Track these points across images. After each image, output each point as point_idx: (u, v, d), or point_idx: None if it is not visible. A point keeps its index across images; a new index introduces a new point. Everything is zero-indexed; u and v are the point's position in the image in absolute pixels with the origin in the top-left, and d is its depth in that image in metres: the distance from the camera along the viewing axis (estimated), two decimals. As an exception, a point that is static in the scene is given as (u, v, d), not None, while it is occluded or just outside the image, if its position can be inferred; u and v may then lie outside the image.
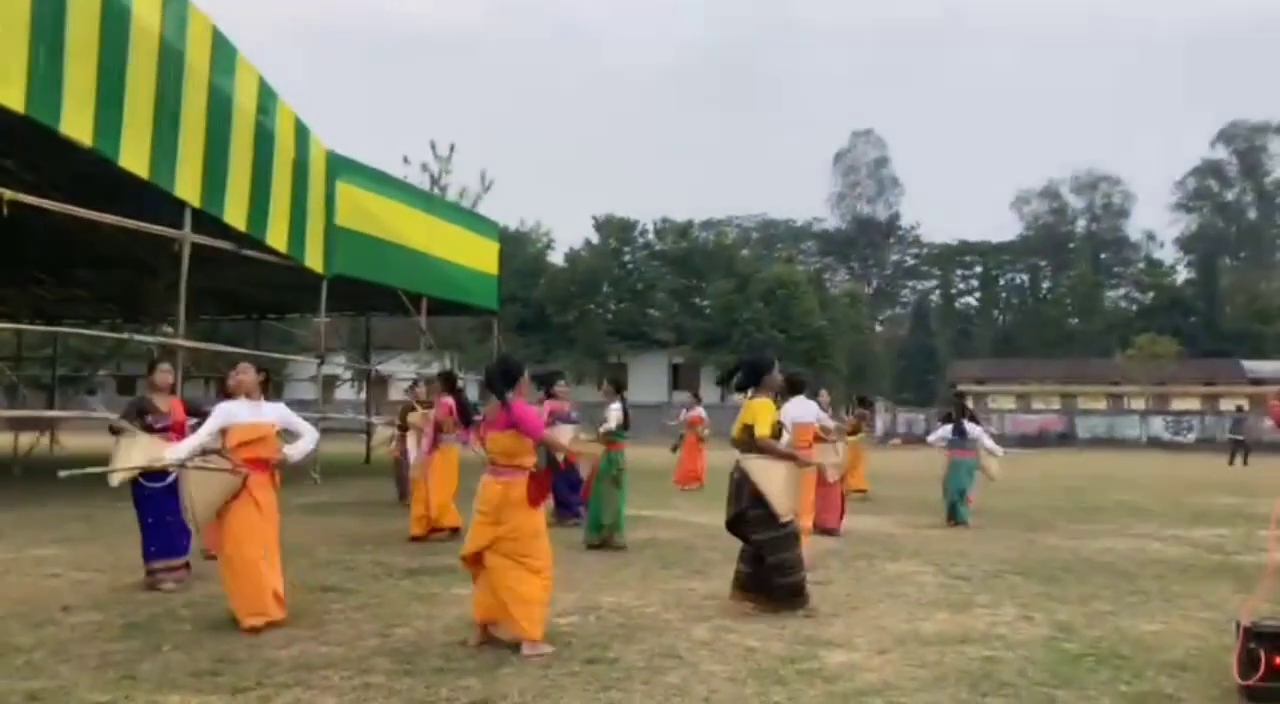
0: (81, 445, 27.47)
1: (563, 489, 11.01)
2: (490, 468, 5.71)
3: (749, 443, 6.72)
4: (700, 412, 18.11)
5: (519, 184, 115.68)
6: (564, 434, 9.70)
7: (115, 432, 7.64)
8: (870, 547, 10.13)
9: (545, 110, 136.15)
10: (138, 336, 19.10)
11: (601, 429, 10.40)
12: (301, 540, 9.68)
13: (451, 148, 50.97)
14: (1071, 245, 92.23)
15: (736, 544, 6.94)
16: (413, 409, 12.44)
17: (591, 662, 5.28)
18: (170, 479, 7.35)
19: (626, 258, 57.35)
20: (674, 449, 18.46)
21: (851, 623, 6.39)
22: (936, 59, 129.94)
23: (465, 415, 10.36)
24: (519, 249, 55.49)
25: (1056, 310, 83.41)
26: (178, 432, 7.43)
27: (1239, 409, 37.94)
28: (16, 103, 12.62)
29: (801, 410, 8.88)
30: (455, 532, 9.98)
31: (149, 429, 7.48)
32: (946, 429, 13.13)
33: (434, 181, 50.07)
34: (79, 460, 23.08)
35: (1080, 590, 7.72)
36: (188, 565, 7.51)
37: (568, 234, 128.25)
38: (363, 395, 36.88)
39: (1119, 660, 5.47)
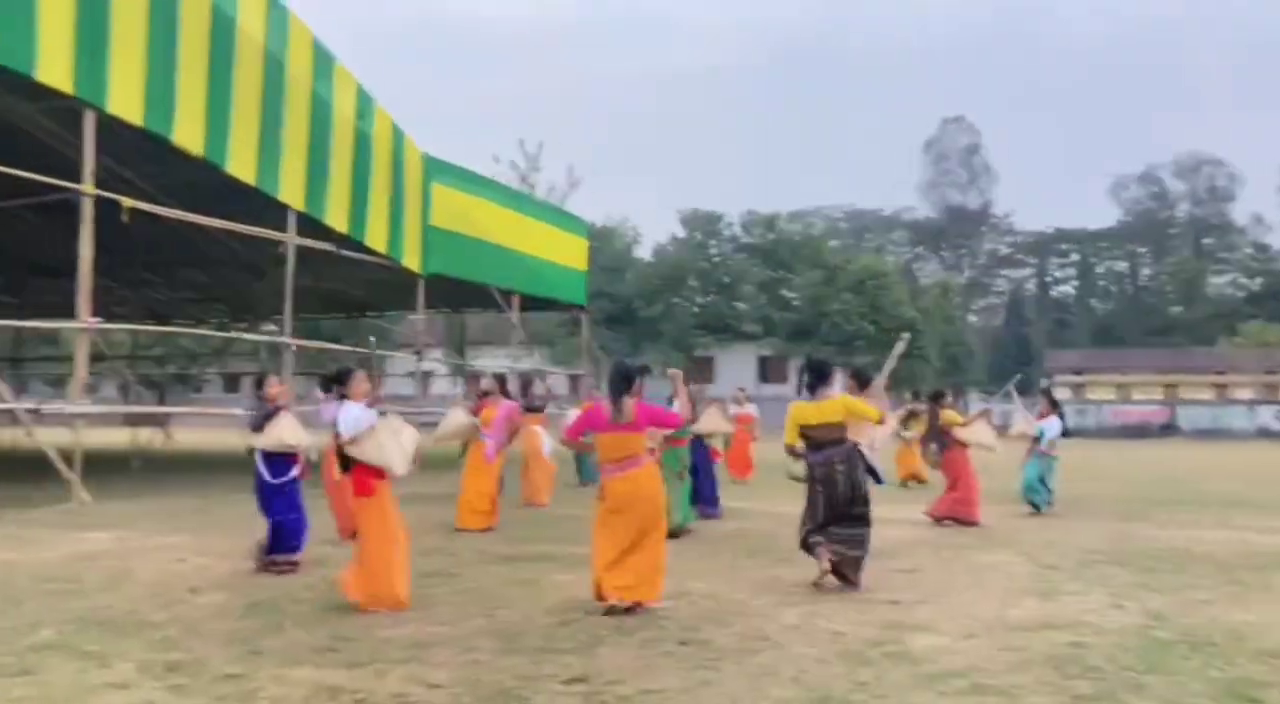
0: (193, 440, 28.76)
1: (707, 488, 11.37)
2: (607, 468, 6.14)
3: (840, 436, 7.06)
4: (751, 410, 18.31)
5: (605, 180, 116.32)
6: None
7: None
8: (960, 537, 10.17)
9: (629, 104, 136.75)
10: (247, 335, 19.92)
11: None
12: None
13: (540, 146, 51.83)
14: (1173, 231, 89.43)
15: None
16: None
17: (684, 643, 5.50)
18: (290, 476, 7.84)
19: (713, 251, 57.47)
20: (724, 444, 18.45)
21: (938, 609, 6.49)
22: (1030, 42, 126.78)
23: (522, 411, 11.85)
24: (606, 244, 55.99)
25: (1157, 298, 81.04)
26: None
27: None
28: (135, 116, 13.39)
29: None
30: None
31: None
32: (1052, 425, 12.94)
33: (523, 179, 50.95)
34: (192, 456, 24.14)
35: (1175, 580, 7.68)
36: (298, 562, 7.97)
37: (654, 229, 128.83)
38: (457, 390, 37.74)
39: (1211, 648, 5.49)
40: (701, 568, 7.99)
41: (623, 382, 6.42)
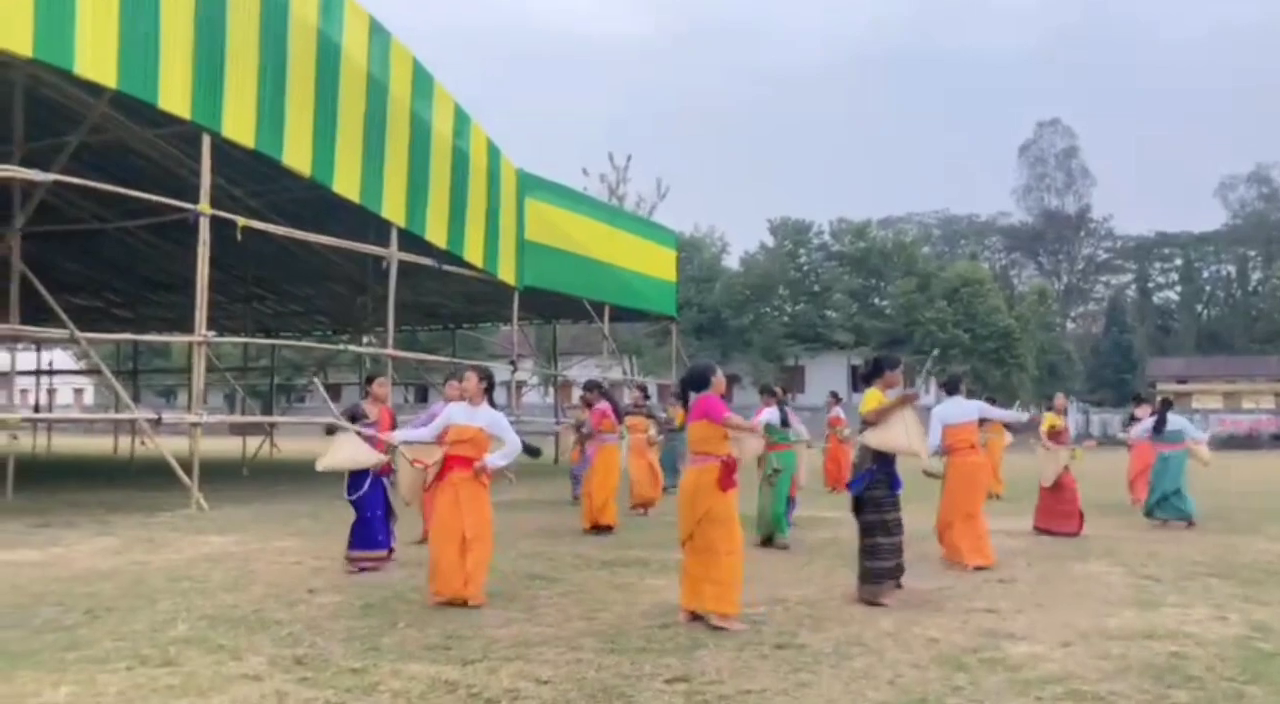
0: (296, 449, 29.78)
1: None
2: (690, 458, 6.30)
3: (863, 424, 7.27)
4: (839, 412, 17.89)
5: (695, 191, 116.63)
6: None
7: (330, 432, 8.60)
8: (1059, 547, 10.09)
9: (718, 115, 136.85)
10: (352, 347, 20.63)
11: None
12: (505, 534, 10.45)
13: (628, 158, 52.31)
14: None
15: (920, 546, 7.20)
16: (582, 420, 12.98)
17: (781, 646, 5.66)
18: (369, 480, 8.24)
19: (802, 259, 57.13)
20: (822, 451, 18.25)
21: (1035, 618, 6.52)
22: (1129, 40, 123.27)
23: (619, 416, 12.17)
24: (694, 254, 56.16)
25: (1268, 303, 77.78)
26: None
27: None
28: (248, 139, 14.06)
29: (954, 411, 9.03)
30: (610, 529, 11.08)
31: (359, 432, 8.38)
32: (1148, 423, 12.83)
33: (612, 191, 51.44)
34: (297, 464, 24.99)
35: (1280, 593, 7.56)
36: (388, 555, 8.48)
37: (743, 238, 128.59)
38: (549, 399, 38.31)
39: (1315, 660, 5.44)
40: (796, 576, 8.13)
41: (695, 381, 6.54)
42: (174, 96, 12.96)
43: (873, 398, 7.25)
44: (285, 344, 24.41)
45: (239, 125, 13.87)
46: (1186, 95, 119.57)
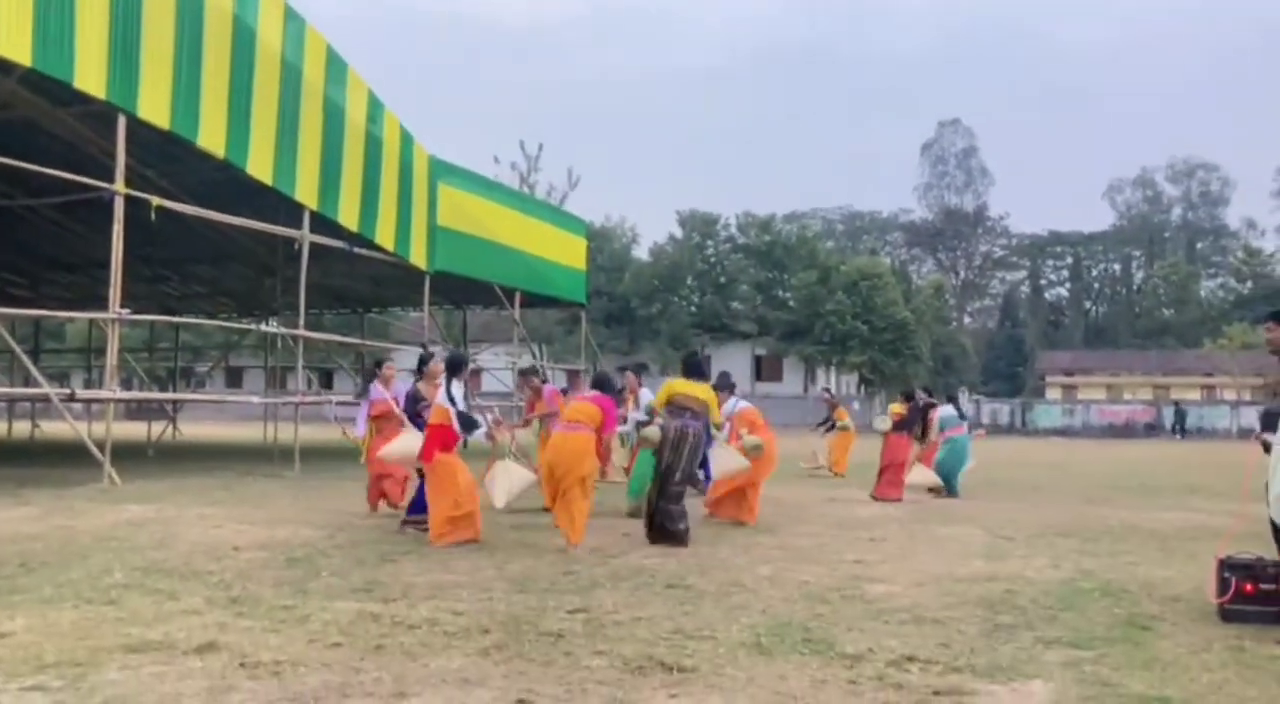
0: (198, 433, 29.65)
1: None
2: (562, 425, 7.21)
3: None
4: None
5: (605, 181, 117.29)
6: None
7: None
8: (930, 514, 11.07)
9: (630, 106, 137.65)
10: (263, 327, 20.76)
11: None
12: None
13: (539, 147, 52.75)
14: (1166, 234, 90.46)
15: (806, 508, 8.01)
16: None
17: (671, 587, 6.39)
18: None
19: (709, 251, 58.33)
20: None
21: (896, 566, 7.38)
22: (1026, 45, 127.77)
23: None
24: (604, 244, 56.86)
25: (1150, 301, 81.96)
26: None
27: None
28: (163, 120, 14.25)
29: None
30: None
31: (419, 415, 9.10)
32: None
33: (523, 180, 51.85)
34: (201, 446, 24.91)
35: (1113, 547, 8.58)
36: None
37: (652, 229, 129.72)
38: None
39: (1122, 594, 6.38)
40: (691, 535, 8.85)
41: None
42: (89, 76, 13.09)
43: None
44: (195, 323, 24.32)
45: (154, 106, 14.04)
46: (1082, 97, 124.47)
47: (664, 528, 8.37)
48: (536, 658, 4.63)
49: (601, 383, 9.13)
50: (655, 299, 54.99)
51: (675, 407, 8.80)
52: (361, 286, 26.08)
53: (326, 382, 50.99)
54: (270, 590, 6.15)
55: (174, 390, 32.73)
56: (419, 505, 8.97)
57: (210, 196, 17.61)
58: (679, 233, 59.81)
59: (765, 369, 57.09)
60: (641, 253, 61.40)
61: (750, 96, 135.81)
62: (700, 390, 8.97)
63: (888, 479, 12.59)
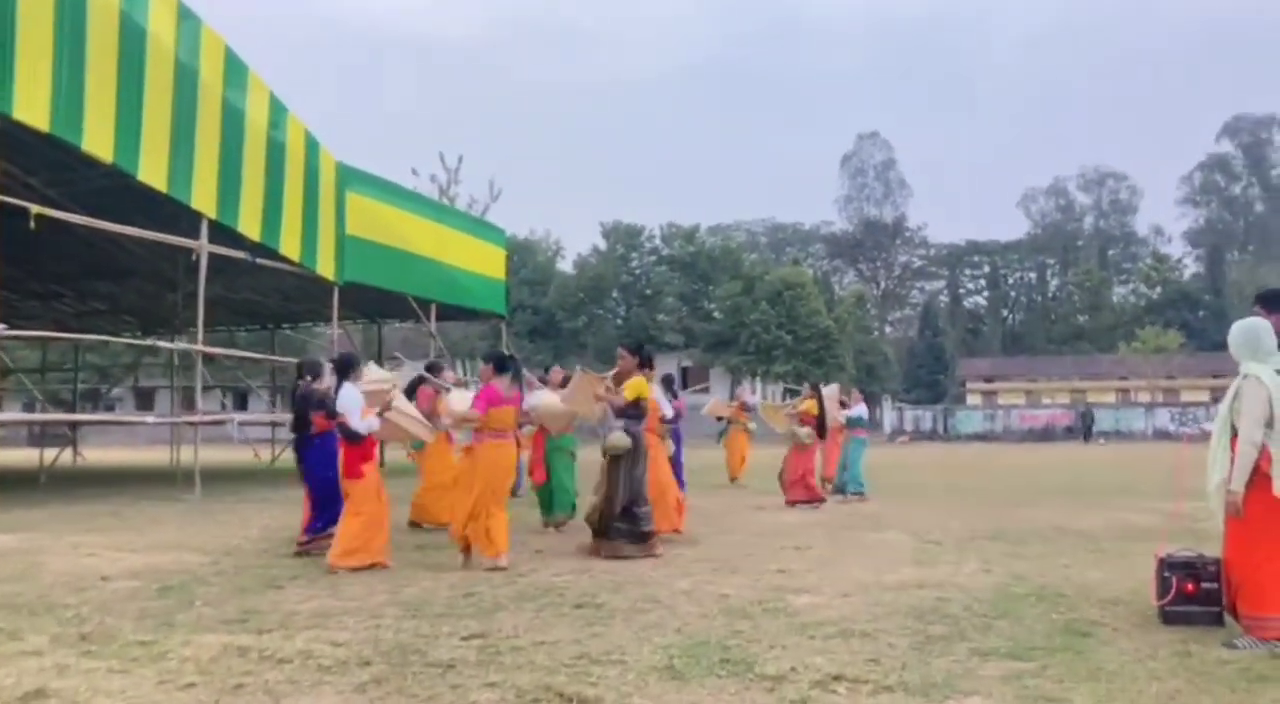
0: (102, 458, 28.30)
1: None
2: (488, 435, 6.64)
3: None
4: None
5: (527, 193, 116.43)
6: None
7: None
8: (856, 520, 10.71)
9: (552, 119, 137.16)
10: (160, 343, 19.72)
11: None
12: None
13: (459, 159, 51.95)
14: (1079, 242, 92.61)
15: (730, 516, 7.57)
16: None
17: (580, 606, 5.87)
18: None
19: (634, 263, 58.02)
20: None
21: (822, 576, 6.96)
22: (939, 59, 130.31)
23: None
24: (529, 257, 56.21)
25: (1065, 307, 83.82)
26: None
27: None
28: (41, 122, 13.34)
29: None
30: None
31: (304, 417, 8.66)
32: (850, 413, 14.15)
33: (443, 192, 50.95)
34: (103, 471, 23.69)
35: (1043, 550, 8.28)
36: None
37: (577, 242, 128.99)
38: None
39: (1059, 598, 6.03)
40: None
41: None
42: (-47, 75, 12.19)
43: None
44: (86, 339, 23.10)
45: (31, 107, 13.11)
46: (997, 107, 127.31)
47: (633, 533, 7.88)
48: (420, 693, 4.09)
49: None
50: (580, 312, 54.44)
51: (638, 411, 8.36)
52: (269, 301, 25.08)
53: (241, 401, 49.46)
54: (131, 624, 5.49)
55: (75, 413, 31.28)
56: (318, 524, 8.35)
57: (107, 207, 16.64)
58: (603, 245, 59.37)
59: (692, 380, 56.83)
60: (566, 266, 60.91)
61: (674, 111, 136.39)
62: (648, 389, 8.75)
63: (800, 483, 12.24)
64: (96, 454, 30.51)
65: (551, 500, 10.35)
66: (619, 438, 8.07)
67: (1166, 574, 5.27)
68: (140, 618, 5.65)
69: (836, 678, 4.22)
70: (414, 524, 10.20)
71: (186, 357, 17.70)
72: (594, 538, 8.12)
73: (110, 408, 52.92)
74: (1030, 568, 7.25)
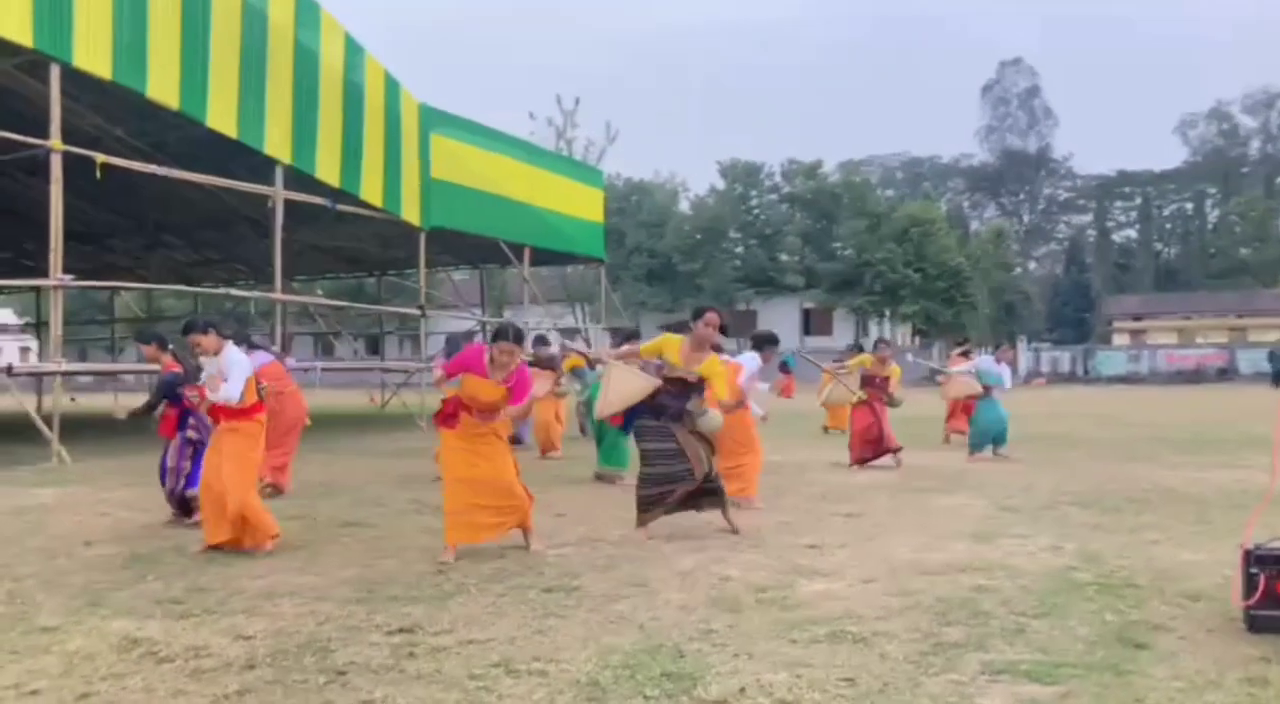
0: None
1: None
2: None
3: None
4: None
5: (647, 136, 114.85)
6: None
7: None
8: (928, 480, 9.64)
9: (680, 59, 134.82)
10: (234, 292, 19.84)
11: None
12: (355, 481, 9.98)
13: (576, 101, 51.13)
14: (1244, 170, 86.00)
15: (803, 474, 6.73)
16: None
17: (550, 590, 5.12)
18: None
19: (753, 202, 56.31)
20: None
21: (854, 553, 6.03)
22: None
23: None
24: (645, 199, 55.28)
25: (1225, 240, 77.99)
26: None
27: None
28: (104, 70, 13.16)
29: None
30: None
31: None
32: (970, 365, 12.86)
33: (560, 135, 50.37)
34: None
35: (1136, 521, 7.13)
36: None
37: (699, 185, 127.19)
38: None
39: (1127, 590, 4.97)
40: (627, 516, 7.56)
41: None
42: (12, 22, 12.03)
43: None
44: (155, 288, 23.40)
45: (92, 54, 12.95)
46: (1146, 33, 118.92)
47: (714, 492, 6.74)
48: (278, 712, 3.42)
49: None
50: (697, 254, 53.17)
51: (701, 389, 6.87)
52: (370, 247, 24.97)
53: (373, 348, 50.43)
54: (61, 602, 5.03)
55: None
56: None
57: (200, 158, 16.49)
58: (721, 185, 57.81)
59: (814, 323, 55.28)
60: (686, 207, 59.51)
61: (806, 46, 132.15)
62: None
63: (860, 440, 11.09)
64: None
65: (612, 454, 9.86)
66: (713, 419, 6.73)
67: (1254, 570, 4.18)
68: (74, 595, 5.18)
69: (788, 706, 3.37)
70: None
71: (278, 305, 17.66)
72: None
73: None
74: (1109, 545, 6.15)
